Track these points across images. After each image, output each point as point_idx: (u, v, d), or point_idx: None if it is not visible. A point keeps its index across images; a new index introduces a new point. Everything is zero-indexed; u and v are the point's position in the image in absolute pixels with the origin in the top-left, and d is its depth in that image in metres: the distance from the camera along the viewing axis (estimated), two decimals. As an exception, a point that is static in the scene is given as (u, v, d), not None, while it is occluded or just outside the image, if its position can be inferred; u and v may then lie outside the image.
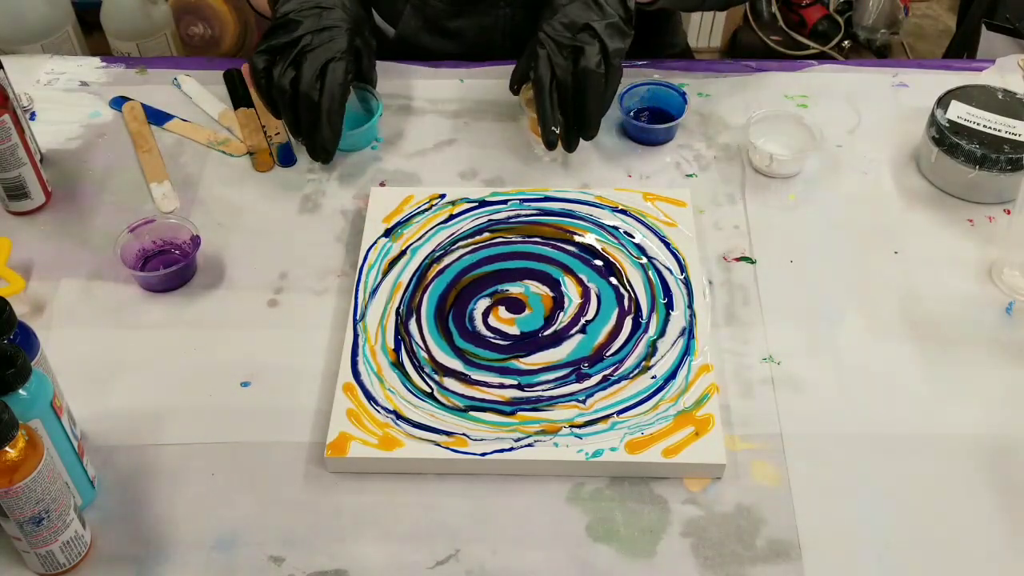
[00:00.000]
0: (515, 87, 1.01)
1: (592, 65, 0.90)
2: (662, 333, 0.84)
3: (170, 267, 0.89)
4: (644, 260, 0.89)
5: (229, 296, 0.90)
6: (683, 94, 1.02)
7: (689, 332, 0.84)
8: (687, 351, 0.82)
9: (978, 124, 0.95)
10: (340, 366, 0.82)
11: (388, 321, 0.85)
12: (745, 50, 2.36)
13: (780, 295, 0.88)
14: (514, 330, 0.84)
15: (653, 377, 0.81)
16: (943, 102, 0.97)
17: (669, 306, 0.86)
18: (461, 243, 0.91)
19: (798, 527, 0.73)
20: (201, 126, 1.05)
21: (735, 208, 0.96)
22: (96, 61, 1.14)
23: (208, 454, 0.78)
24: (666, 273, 0.88)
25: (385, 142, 1.03)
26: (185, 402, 0.82)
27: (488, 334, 0.84)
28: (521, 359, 0.82)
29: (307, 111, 0.93)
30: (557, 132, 0.93)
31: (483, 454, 0.76)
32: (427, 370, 0.82)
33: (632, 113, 1.03)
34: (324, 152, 0.96)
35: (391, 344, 0.83)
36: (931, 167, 0.97)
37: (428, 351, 0.83)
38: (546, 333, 0.84)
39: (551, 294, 0.87)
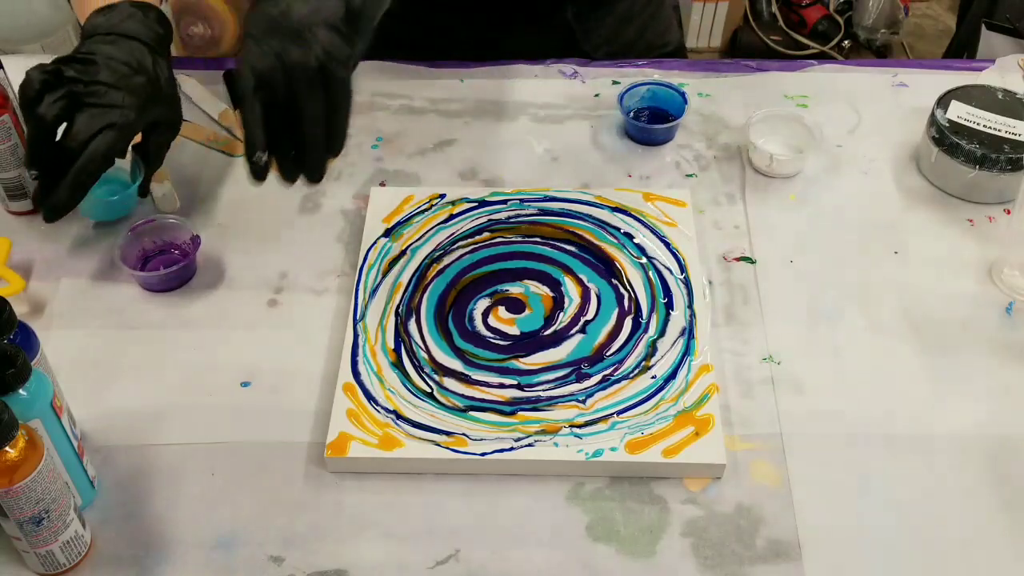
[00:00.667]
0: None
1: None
2: (662, 333, 0.84)
3: (170, 267, 0.89)
4: (644, 260, 0.89)
5: (229, 296, 0.90)
6: (683, 94, 1.02)
7: (689, 332, 0.84)
8: (687, 351, 0.82)
9: (978, 124, 0.95)
10: (340, 366, 0.82)
11: (388, 321, 0.85)
12: (745, 50, 2.37)
13: (780, 295, 0.88)
14: (514, 330, 0.84)
15: (653, 377, 0.81)
16: (943, 102, 0.97)
17: (669, 306, 0.86)
18: (461, 243, 0.91)
19: (798, 527, 0.73)
20: (201, 126, 1.05)
21: (735, 208, 0.96)
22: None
23: (208, 454, 0.78)
24: (666, 273, 0.88)
25: (385, 142, 1.03)
26: (185, 402, 0.82)
27: (488, 334, 0.84)
28: (521, 359, 0.82)
29: (58, 161, 0.80)
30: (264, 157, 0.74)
31: (483, 454, 0.76)
32: (427, 370, 0.82)
33: (632, 113, 1.03)
34: (52, 212, 0.81)
35: (391, 344, 0.83)
36: (931, 167, 0.97)
37: (428, 351, 0.83)
38: (546, 333, 0.84)
39: (551, 294, 0.87)
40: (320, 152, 0.74)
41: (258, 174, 0.73)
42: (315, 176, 0.75)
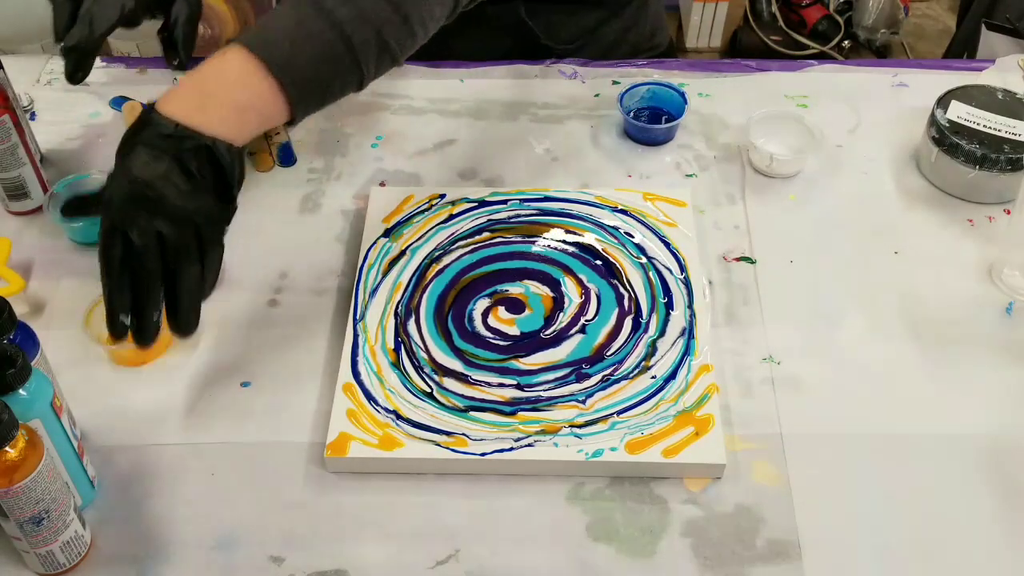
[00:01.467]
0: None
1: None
2: (662, 333, 0.84)
3: (170, 267, 0.89)
4: (644, 260, 0.89)
5: (229, 296, 0.90)
6: (683, 94, 1.02)
7: (689, 332, 0.84)
8: (687, 351, 0.82)
9: (978, 124, 0.95)
10: (340, 366, 0.82)
11: (388, 321, 0.85)
12: (745, 50, 2.36)
13: (780, 295, 0.88)
14: (514, 330, 0.84)
15: (653, 377, 0.81)
16: (943, 102, 0.97)
17: (669, 306, 0.86)
18: (460, 243, 0.91)
19: (798, 527, 0.73)
20: (201, 126, 1.05)
21: (735, 208, 0.96)
22: (96, 61, 1.13)
23: (208, 454, 0.78)
24: (666, 273, 0.88)
25: (385, 142, 1.03)
26: (185, 402, 0.82)
27: (488, 334, 0.84)
28: (521, 359, 0.82)
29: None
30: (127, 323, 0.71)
31: (483, 454, 0.76)
32: (427, 370, 0.82)
33: (632, 113, 1.03)
34: (71, 55, 0.85)
35: (391, 344, 0.83)
36: (931, 167, 0.97)
37: (428, 351, 0.83)
38: (546, 333, 0.84)
39: (551, 294, 0.87)
40: (192, 308, 0.72)
41: (121, 335, 0.71)
42: (189, 330, 0.72)
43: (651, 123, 1.02)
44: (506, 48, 1.13)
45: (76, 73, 0.87)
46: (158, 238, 0.68)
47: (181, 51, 0.91)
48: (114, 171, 0.70)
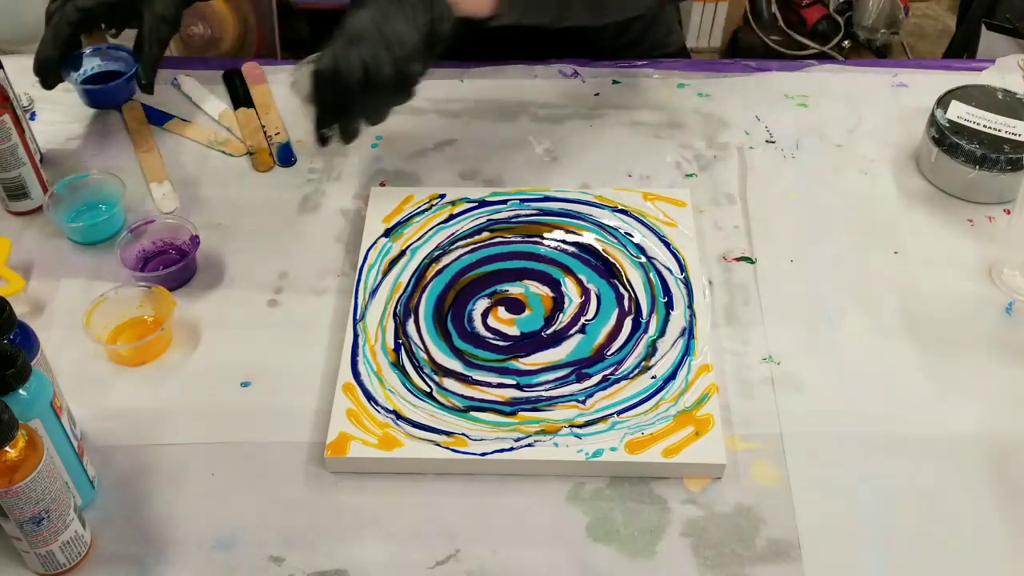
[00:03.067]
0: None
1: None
2: (662, 333, 0.84)
3: (170, 267, 0.89)
4: (644, 260, 0.89)
5: (229, 296, 0.90)
6: (131, 53, 1.04)
7: (689, 332, 0.84)
8: (687, 351, 0.82)
9: (978, 124, 0.95)
10: (340, 366, 0.82)
11: (388, 321, 0.85)
12: (745, 50, 2.36)
13: (780, 295, 0.88)
14: (514, 330, 0.84)
15: (653, 377, 0.81)
16: (943, 102, 0.97)
17: (669, 306, 0.86)
18: (460, 243, 0.91)
19: (798, 527, 0.73)
20: (201, 126, 1.06)
21: (735, 208, 0.96)
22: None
23: (208, 454, 0.78)
24: (666, 273, 0.88)
25: (385, 142, 1.03)
26: (185, 402, 0.82)
27: (487, 335, 0.84)
28: (521, 359, 0.82)
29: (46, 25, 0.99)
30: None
31: (483, 454, 0.76)
32: (427, 371, 0.82)
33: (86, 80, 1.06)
34: (37, 61, 0.99)
35: (391, 344, 0.83)
36: (931, 167, 0.98)
37: (427, 352, 0.83)
38: (546, 333, 0.84)
39: (551, 294, 0.87)
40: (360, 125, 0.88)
41: (325, 142, 0.87)
42: (351, 139, 0.88)
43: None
44: (560, 44, 1.12)
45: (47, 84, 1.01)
46: (364, 66, 0.81)
47: (148, 77, 1.00)
48: (351, 6, 0.84)
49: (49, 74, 1.00)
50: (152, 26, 0.98)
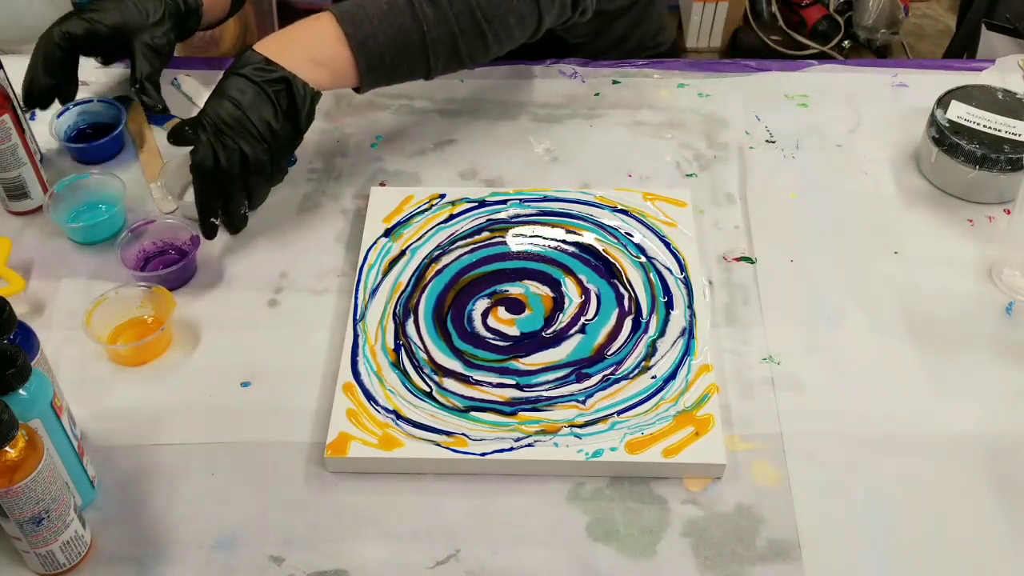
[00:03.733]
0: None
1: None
2: (662, 333, 0.84)
3: (170, 267, 0.89)
4: (644, 260, 0.89)
5: (229, 296, 0.90)
6: (118, 106, 1.02)
7: (689, 332, 0.84)
8: (687, 351, 0.82)
9: (978, 124, 0.95)
10: (340, 366, 0.82)
11: (388, 321, 0.85)
12: (745, 50, 2.36)
13: (780, 295, 0.88)
14: (514, 331, 0.84)
15: (653, 377, 0.81)
16: (943, 102, 0.97)
17: (669, 306, 0.86)
18: (460, 243, 0.91)
19: (798, 527, 0.73)
20: (201, 126, 1.05)
21: (735, 208, 0.96)
22: (96, 61, 1.13)
23: (208, 454, 0.78)
24: (666, 273, 0.88)
25: (385, 142, 1.03)
26: (185, 402, 0.82)
27: (487, 335, 0.84)
28: (521, 359, 0.82)
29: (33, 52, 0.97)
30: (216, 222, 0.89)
31: (483, 454, 0.76)
32: (427, 371, 0.82)
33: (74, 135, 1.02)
34: (29, 87, 0.96)
35: (391, 344, 0.83)
36: (931, 167, 0.98)
37: (427, 352, 0.83)
38: (546, 333, 0.84)
39: (551, 294, 0.87)
40: (248, 214, 0.91)
41: (212, 234, 0.88)
42: (241, 229, 0.90)
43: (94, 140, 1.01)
44: (536, 46, 1.12)
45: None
46: (240, 154, 0.84)
47: (157, 102, 0.99)
48: (213, 94, 0.86)
49: (40, 100, 0.98)
50: (143, 56, 0.97)
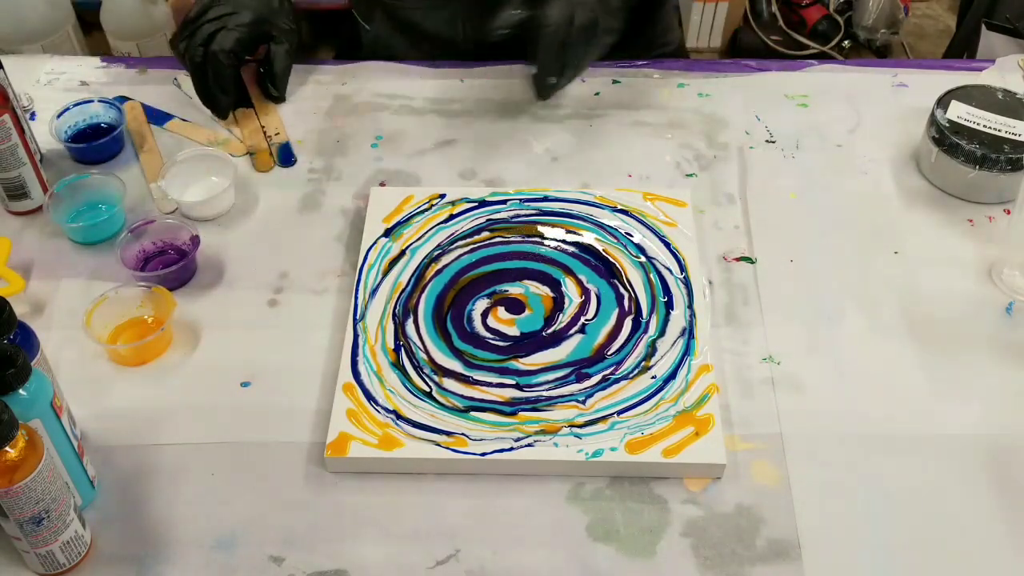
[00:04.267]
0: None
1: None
2: (662, 333, 0.84)
3: (170, 267, 0.89)
4: (644, 260, 0.89)
5: (229, 296, 0.90)
6: (119, 107, 1.02)
7: (689, 332, 0.84)
8: (687, 351, 0.82)
9: (978, 124, 0.95)
10: (340, 366, 0.82)
11: (388, 321, 0.85)
12: (745, 50, 2.36)
13: (780, 295, 0.88)
14: (514, 331, 0.84)
15: (653, 377, 0.81)
16: (943, 102, 0.97)
17: (669, 306, 0.86)
18: (460, 243, 0.91)
19: (798, 527, 0.73)
20: (201, 126, 1.06)
21: (735, 208, 0.96)
22: (96, 61, 1.14)
23: (208, 454, 0.78)
24: (666, 273, 0.88)
25: (385, 142, 1.03)
26: (185, 402, 0.82)
27: (487, 335, 0.84)
28: (521, 359, 0.82)
29: (193, 74, 1.02)
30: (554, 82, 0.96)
31: (483, 454, 0.76)
32: (426, 371, 0.82)
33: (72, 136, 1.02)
34: (217, 109, 1.04)
35: (391, 344, 0.83)
36: (931, 167, 0.98)
37: (427, 352, 0.83)
38: (546, 333, 0.84)
39: (551, 294, 0.87)
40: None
41: (548, 93, 0.99)
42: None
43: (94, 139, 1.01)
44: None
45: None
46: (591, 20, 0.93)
47: (278, 85, 1.07)
48: None
49: (227, 107, 1.05)
50: (282, 53, 1.05)
